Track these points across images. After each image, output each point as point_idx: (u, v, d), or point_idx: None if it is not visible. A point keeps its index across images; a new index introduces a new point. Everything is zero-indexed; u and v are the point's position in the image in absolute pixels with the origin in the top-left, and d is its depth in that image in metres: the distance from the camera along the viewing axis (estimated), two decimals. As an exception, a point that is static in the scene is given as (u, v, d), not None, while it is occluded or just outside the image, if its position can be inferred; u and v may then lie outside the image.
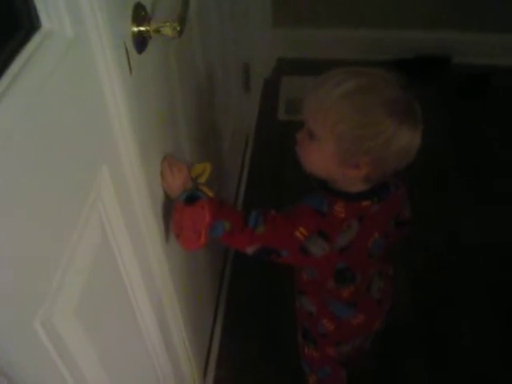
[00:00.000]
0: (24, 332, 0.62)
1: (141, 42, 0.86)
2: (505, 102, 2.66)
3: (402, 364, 1.67)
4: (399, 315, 1.59)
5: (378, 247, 1.10)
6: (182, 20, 0.90)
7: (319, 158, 1.00)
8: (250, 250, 1.04)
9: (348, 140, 0.95)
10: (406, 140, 0.95)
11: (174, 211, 1.03)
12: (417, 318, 1.79)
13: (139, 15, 0.84)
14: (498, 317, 1.80)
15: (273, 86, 2.89)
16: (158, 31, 0.86)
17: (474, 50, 2.81)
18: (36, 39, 0.61)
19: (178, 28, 0.87)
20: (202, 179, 1.07)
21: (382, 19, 2.88)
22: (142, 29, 0.84)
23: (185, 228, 1.02)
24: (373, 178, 1.01)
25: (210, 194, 1.05)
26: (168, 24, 0.86)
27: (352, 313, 1.19)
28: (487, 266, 1.96)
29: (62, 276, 0.68)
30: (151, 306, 1.01)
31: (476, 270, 1.95)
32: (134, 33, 0.83)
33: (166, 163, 1.02)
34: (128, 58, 0.81)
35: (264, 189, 2.25)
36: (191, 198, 1.02)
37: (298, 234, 1.00)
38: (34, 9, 0.61)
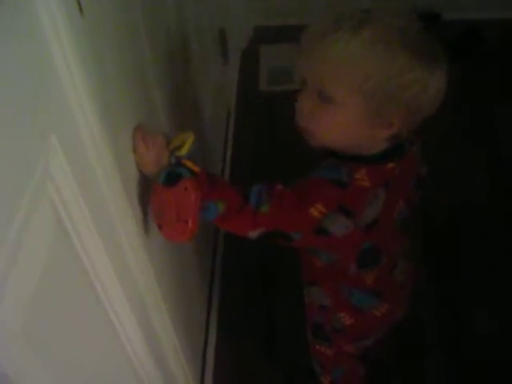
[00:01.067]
0: None
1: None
2: (498, 55, 2.48)
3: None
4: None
5: (401, 216, 0.93)
6: None
7: (341, 124, 0.82)
8: (252, 234, 0.85)
9: (380, 97, 0.78)
10: (439, 82, 0.80)
11: (152, 195, 0.83)
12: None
13: None
14: None
15: (251, 56, 2.70)
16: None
17: (464, 4, 2.64)
18: None
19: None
20: (182, 152, 0.84)
21: (366, -23, 2.68)
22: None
23: (167, 216, 0.82)
24: (402, 134, 0.84)
25: (196, 168, 0.83)
26: None
27: (376, 302, 1.01)
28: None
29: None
30: (131, 310, 0.82)
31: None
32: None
33: (138, 133, 0.81)
34: (76, -8, 0.61)
35: (250, 162, 2.07)
36: (172, 177, 0.81)
37: (313, 211, 0.81)
38: None
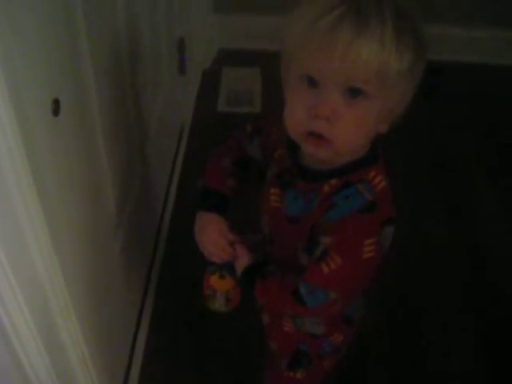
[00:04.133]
0: None
1: None
2: (458, 96, 2.53)
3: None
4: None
5: None
6: None
7: (368, 119, 0.74)
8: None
9: (410, 79, 0.72)
10: None
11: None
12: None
13: None
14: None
15: (213, 77, 2.66)
16: None
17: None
18: None
19: None
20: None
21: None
22: None
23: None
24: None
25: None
26: None
27: (363, 304, 1.00)
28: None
29: None
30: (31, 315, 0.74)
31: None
32: None
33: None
34: None
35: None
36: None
37: (367, 253, 0.77)
38: None
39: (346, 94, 0.71)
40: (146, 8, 1.39)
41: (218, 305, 0.98)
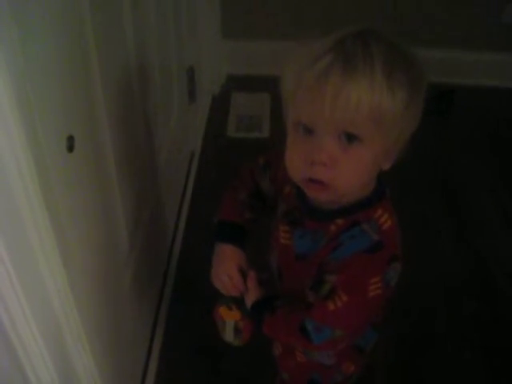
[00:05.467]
0: None
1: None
2: (467, 120, 2.56)
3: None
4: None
5: None
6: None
7: (367, 162, 0.74)
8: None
9: (408, 117, 0.72)
10: None
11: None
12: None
13: None
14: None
15: (222, 102, 2.70)
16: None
17: (437, 68, 2.69)
18: None
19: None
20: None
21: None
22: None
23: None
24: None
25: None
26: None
27: (376, 335, 1.00)
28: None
29: None
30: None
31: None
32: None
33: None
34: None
35: (210, 209, 2.01)
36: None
37: (372, 291, 0.78)
38: None
39: (342, 139, 0.71)
40: (155, 38, 1.43)
41: (229, 335, 1.00)
